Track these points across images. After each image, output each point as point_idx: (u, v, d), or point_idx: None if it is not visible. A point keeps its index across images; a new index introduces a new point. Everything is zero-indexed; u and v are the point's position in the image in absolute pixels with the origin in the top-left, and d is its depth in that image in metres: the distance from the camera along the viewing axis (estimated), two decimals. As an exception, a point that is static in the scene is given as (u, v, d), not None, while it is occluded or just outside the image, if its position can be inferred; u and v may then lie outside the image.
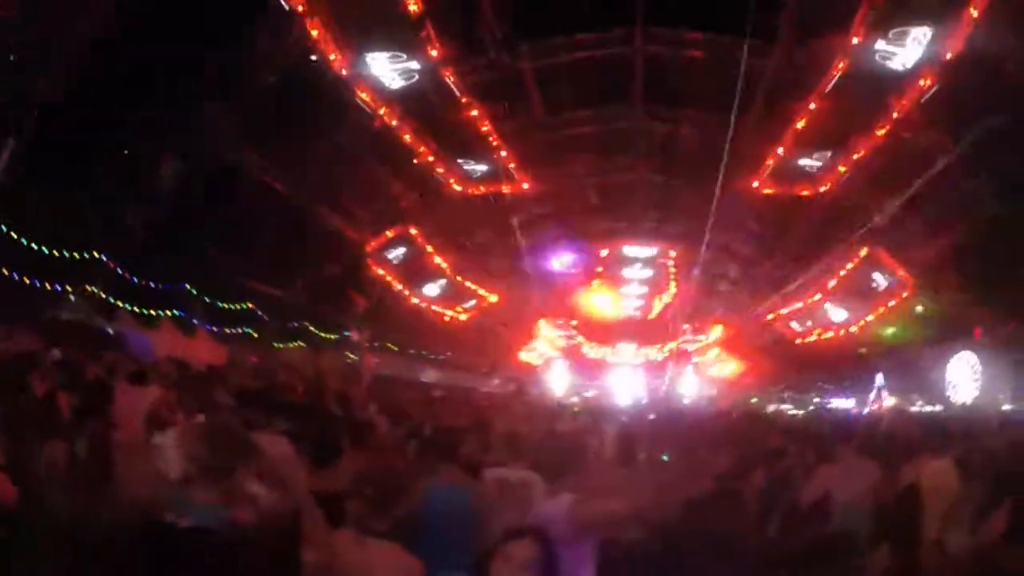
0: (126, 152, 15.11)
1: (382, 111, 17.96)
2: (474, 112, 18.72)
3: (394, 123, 18.52)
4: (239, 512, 3.50)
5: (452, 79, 17.34)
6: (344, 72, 16.34)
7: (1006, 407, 20.24)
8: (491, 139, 19.87)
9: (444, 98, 18.00)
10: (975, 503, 5.72)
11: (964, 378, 23.94)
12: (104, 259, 15.73)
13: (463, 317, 30.36)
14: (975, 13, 13.96)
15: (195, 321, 18.98)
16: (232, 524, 3.51)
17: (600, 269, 32.89)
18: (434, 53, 16.16)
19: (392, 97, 17.63)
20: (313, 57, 15.77)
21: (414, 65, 16.61)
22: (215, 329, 19.79)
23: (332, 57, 15.83)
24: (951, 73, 15.31)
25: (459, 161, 21.36)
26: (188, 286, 18.45)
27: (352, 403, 9.73)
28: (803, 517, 6.89)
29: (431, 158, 20.62)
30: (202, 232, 17.34)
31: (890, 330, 26.74)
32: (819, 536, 6.64)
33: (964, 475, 6.18)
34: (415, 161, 20.68)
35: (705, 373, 36.94)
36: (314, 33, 15.22)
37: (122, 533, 3.43)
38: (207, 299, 19.20)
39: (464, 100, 18.20)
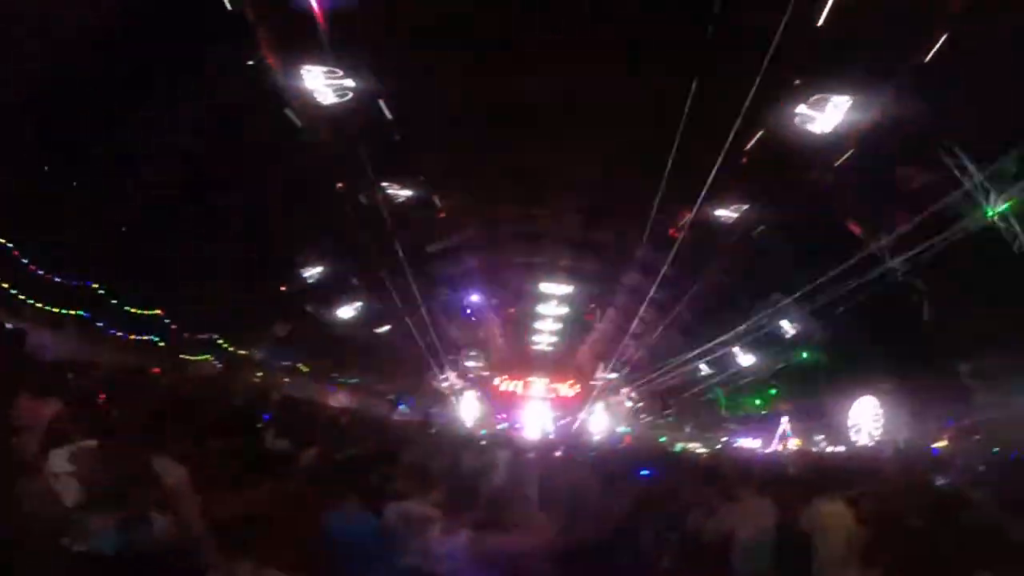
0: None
1: (311, 126, 17.81)
2: (399, 136, 18.70)
3: (322, 139, 18.37)
4: (134, 538, 3.41)
5: (384, 101, 17.33)
6: (278, 83, 16.18)
7: (901, 446, 21.00)
8: (416, 165, 19.89)
9: (374, 120, 17.94)
10: (866, 544, 5.91)
11: (866, 420, 24.94)
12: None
13: (375, 343, 30.08)
14: (891, 87, 14.68)
15: (100, 323, 18.23)
16: (127, 549, 3.42)
17: (516, 302, 33.08)
18: (371, 76, 16.15)
19: (323, 114, 17.48)
20: (250, 62, 15.55)
21: (348, 84, 16.53)
22: (121, 334, 19.06)
23: (268, 66, 15.66)
24: (867, 140, 16.02)
25: (383, 184, 21.29)
26: (95, 285, 17.66)
27: (259, 425, 9.45)
28: (702, 556, 7.01)
29: (357, 179, 20.50)
30: (114, 230, 16.68)
31: (796, 374, 27.59)
32: (718, 574, 6.79)
33: (857, 516, 6.38)
34: (340, 182, 20.53)
35: (616, 410, 37.37)
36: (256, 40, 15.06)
37: (17, 556, 3.31)
38: (114, 300, 18.40)
39: (393, 123, 18.18)
